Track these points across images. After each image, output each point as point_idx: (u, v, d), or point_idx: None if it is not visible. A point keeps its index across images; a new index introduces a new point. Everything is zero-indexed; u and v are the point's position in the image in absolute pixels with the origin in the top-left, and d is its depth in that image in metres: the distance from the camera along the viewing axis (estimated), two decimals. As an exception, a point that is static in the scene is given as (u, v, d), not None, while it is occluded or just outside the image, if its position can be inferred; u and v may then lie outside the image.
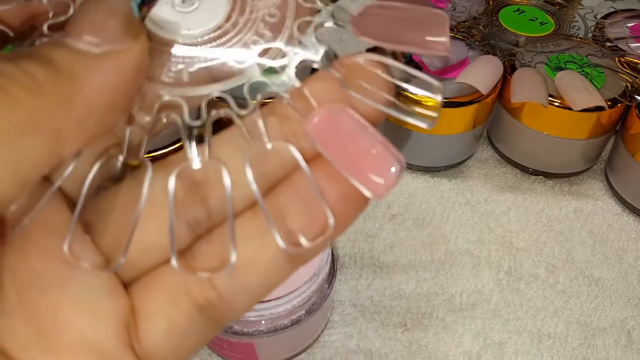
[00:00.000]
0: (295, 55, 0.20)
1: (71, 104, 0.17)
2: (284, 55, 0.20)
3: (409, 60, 0.19)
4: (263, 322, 0.38)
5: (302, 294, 0.39)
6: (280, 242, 0.20)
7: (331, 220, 0.20)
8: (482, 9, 0.55)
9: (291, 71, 0.20)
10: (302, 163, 0.20)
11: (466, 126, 0.51)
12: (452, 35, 0.53)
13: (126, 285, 0.21)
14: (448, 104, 0.49)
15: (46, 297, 0.19)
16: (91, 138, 0.18)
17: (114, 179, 0.20)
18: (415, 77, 0.19)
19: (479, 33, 0.53)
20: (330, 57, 0.20)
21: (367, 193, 0.19)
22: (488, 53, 0.52)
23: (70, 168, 0.19)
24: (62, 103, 0.17)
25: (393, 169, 0.19)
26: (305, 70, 0.21)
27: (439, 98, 0.19)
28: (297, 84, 0.20)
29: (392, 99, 0.19)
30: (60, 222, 0.20)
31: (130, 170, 0.20)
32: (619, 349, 0.44)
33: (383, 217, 0.51)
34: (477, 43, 0.53)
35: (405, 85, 0.19)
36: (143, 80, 0.20)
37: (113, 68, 0.18)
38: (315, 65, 0.20)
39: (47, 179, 0.19)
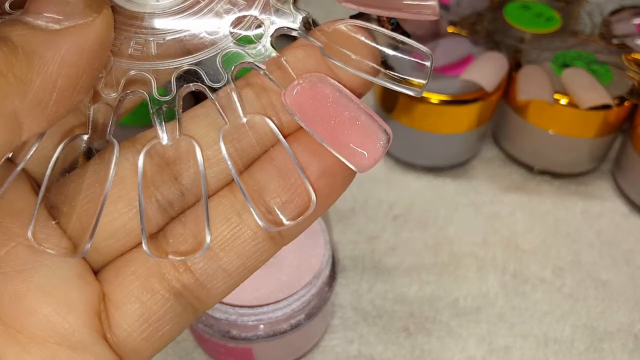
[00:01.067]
0: (272, 24, 0.20)
1: (28, 84, 0.16)
2: (259, 24, 0.20)
3: (396, 26, 0.18)
4: (261, 326, 0.38)
5: (301, 298, 0.38)
6: (260, 221, 0.19)
7: (313, 197, 0.19)
8: (487, 5, 0.55)
9: (267, 40, 0.19)
10: (281, 137, 0.19)
11: (470, 125, 0.51)
12: (455, 32, 0.52)
13: (96, 271, 0.20)
14: (452, 102, 0.49)
15: (10, 284, 0.19)
16: (53, 118, 0.17)
17: (81, 160, 0.20)
18: (402, 43, 0.18)
19: (483, 29, 0.53)
20: (310, 25, 0.19)
21: (351, 167, 0.19)
22: (492, 50, 0.51)
23: (32, 150, 0.18)
24: (18, 83, 0.16)
25: (379, 141, 0.18)
26: (284, 40, 0.20)
27: (427, 64, 0.18)
28: (274, 53, 0.19)
29: (377, 66, 0.19)
30: (24, 206, 0.19)
31: (97, 149, 0.20)
32: (626, 353, 0.44)
33: (385, 218, 0.51)
34: (482, 39, 0.52)
35: (391, 52, 0.18)
36: (108, 55, 0.19)
37: (73, 44, 0.17)
38: (293, 34, 0.20)
39: (11, 162, 0.19)
